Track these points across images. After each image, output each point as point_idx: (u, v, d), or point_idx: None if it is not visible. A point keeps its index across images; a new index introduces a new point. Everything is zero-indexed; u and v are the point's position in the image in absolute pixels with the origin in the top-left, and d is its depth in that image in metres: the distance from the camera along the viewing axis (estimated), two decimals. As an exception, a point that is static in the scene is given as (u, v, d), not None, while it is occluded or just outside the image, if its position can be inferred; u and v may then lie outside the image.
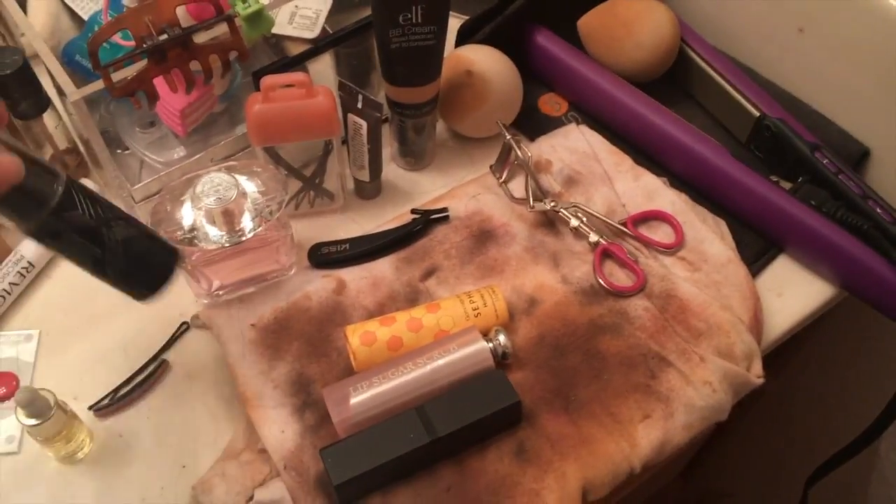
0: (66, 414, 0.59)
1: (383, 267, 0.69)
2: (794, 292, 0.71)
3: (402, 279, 0.68)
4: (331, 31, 0.75)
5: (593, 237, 0.69)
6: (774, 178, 0.73)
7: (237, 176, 0.62)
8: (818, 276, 0.71)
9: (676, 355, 0.63)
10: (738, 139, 0.78)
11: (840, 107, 0.76)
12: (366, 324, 0.63)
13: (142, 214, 0.68)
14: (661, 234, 0.71)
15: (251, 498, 0.58)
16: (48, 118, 0.72)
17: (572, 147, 0.76)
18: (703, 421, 0.62)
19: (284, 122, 0.65)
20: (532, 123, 0.80)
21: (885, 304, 0.68)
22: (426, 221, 0.71)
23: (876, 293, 0.68)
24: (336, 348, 0.65)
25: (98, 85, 0.58)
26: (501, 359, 0.62)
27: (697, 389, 0.62)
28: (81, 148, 0.75)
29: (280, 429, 0.61)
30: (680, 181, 0.75)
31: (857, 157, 0.75)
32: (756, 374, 0.64)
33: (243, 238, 0.61)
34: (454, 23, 0.72)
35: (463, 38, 0.78)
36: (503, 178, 0.74)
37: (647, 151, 0.77)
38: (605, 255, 0.69)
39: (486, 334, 0.62)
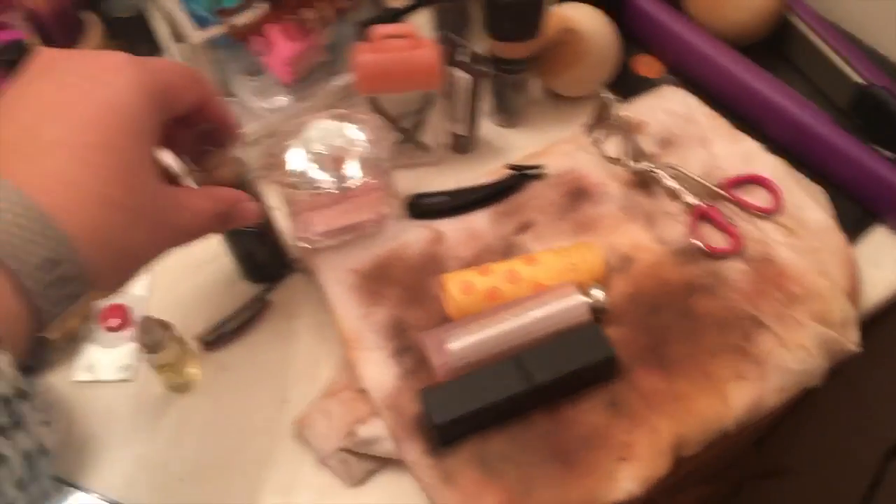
0: (181, 345, 0.62)
1: (479, 220, 0.70)
2: (891, 263, 0.70)
3: (497, 232, 0.70)
4: (430, -14, 0.76)
5: (690, 199, 0.69)
6: (875, 147, 0.72)
7: (346, 124, 0.63)
8: (916, 248, 0.71)
9: (772, 318, 0.64)
10: (839, 106, 0.77)
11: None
12: (464, 273, 0.65)
13: (250, 155, 0.70)
14: (759, 198, 0.70)
15: (352, 433, 0.61)
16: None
17: (668, 109, 0.76)
18: (796, 385, 0.63)
19: (390, 72, 0.66)
20: (626, 84, 0.80)
21: None
22: (522, 177, 0.72)
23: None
24: (432, 296, 0.66)
25: (219, 28, 0.60)
26: (598, 314, 0.63)
27: (792, 353, 0.62)
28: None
29: (379, 370, 0.63)
30: (778, 147, 0.74)
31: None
32: (852, 341, 0.64)
33: (349, 185, 0.63)
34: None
35: (562, -5, 0.78)
36: (598, 137, 0.75)
37: (744, 115, 0.76)
38: (702, 216, 0.69)
39: (582, 289, 0.63)
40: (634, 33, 0.81)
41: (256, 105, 0.73)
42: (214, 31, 0.60)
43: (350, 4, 0.64)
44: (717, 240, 0.68)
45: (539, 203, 0.71)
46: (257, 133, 0.70)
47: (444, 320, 0.65)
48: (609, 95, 0.72)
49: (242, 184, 0.60)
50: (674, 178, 0.70)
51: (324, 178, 0.63)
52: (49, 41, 0.63)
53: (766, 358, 0.62)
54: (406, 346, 0.64)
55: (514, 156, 0.76)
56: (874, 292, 0.69)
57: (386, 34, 0.64)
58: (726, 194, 0.70)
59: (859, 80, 0.74)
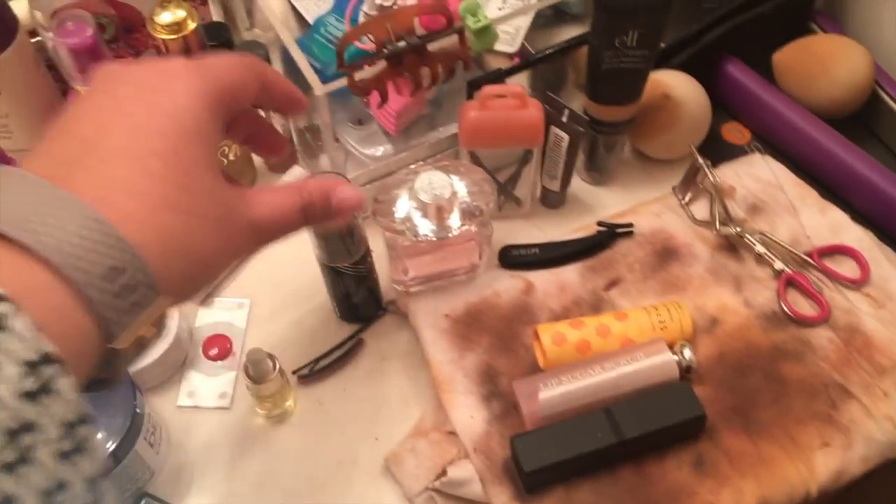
0: (282, 377, 0.65)
1: (569, 273, 0.73)
2: (978, 340, 0.71)
3: (586, 287, 0.72)
4: (528, 47, 0.79)
5: (778, 265, 0.71)
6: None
7: (450, 175, 0.66)
8: None
9: (859, 388, 0.65)
10: (926, 183, 0.78)
11: None
12: (556, 325, 0.67)
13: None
14: (846, 268, 0.72)
15: (441, 474, 0.63)
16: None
17: (757, 175, 0.78)
18: (880, 456, 0.63)
19: (495, 129, 0.69)
20: (713, 150, 0.82)
21: None
22: (612, 234, 0.74)
23: None
24: (523, 345, 0.68)
25: (341, 82, 0.64)
26: (685, 372, 0.65)
27: (879, 424, 0.63)
28: (295, 137, 0.81)
29: (469, 414, 0.65)
30: (863, 218, 0.75)
31: None
32: (939, 416, 0.64)
33: (450, 234, 0.66)
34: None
35: (656, 63, 0.81)
36: (686, 199, 0.77)
37: (830, 186, 0.78)
38: (790, 283, 0.70)
39: (670, 347, 0.65)
40: (722, 100, 0.83)
41: (360, 152, 0.76)
42: (337, 84, 0.64)
43: (463, 64, 0.67)
44: (805, 307, 0.70)
45: (627, 260, 0.73)
46: (361, 179, 0.74)
47: (534, 369, 0.67)
48: (702, 160, 0.74)
49: (351, 225, 0.63)
50: (762, 244, 0.72)
51: (426, 225, 0.66)
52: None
53: (851, 427, 0.63)
54: (495, 392, 0.66)
55: (602, 213, 0.78)
56: (961, 369, 0.69)
57: (494, 93, 0.67)
58: (815, 262, 0.71)
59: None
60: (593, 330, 0.66)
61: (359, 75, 0.65)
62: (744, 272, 0.72)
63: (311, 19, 0.80)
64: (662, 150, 0.79)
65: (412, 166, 0.74)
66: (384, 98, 0.66)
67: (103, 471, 0.31)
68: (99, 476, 0.31)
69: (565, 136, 0.71)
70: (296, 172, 0.81)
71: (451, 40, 0.67)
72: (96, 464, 0.31)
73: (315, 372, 0.70)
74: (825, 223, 0.74)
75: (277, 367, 0.64)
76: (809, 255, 0.72)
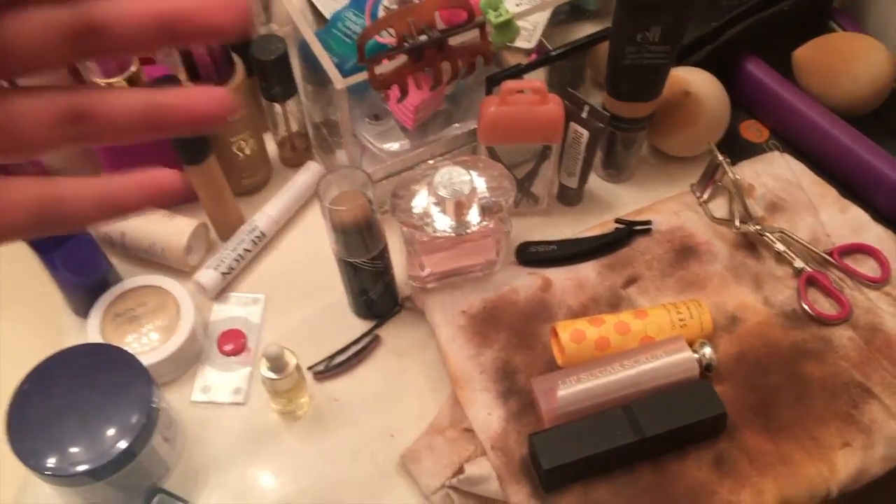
0: (299, 373, 0.64)
1: (587, 271, 0.72)
2: None
3: (604, 284, 0.71)
4: (546, 43, 0.79)
5: (798, 263, 0.70)
6: None
7: (469, 170, 0.66)
8: None
9: (881, 388, 0.64)
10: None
11: None
12: (575, 322, 0.66)
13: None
14: (867, 267, 0.71)
15: (458, 471, 0.62)
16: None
17: (776, 174, 0.77)
18: (902, 456, 0.63)
19: (515, 124, 0.69)
20: (732, 147, 0.81)
21: None
22: (630, 232, 0.73)
23: None
24: (541, 342, 0.68)
25: (362, 76, 0.64)
26: (705, 370, 0.64)
27: (901, 424, 0.62)
28: (311, 132, 0.81)
29: (487, 411, 0.64)
30: (885, 218, 0.75)
31: None
32: (963, 417, 0.64)
33: (469, 230, 0.66)
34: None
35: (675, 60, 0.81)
36: (705, 197, 0.76)
37: (850, 185, 0.77)
38: (810, 282, 0.70)
39: (690, 345, 0.65)
40: (741, 98, 0.83)
41: (377, 148, 0.76)
42: (357, 77, 0.63)
43: (484, 59, 0.67)
44: (825, 306, 0.69)
45: (646, 258, 0.73)
46: (378, 174, 0.73)
47: (551, 366, 0.67)
48: (721, 157, 0.74)
49: (369, 221, 0.63)
50: (782, 242, 0.72)
51: (445, 221, 0.65)
52: (196, 78, 0.67)
53: (873, 426, 0.63)
54: (513, 389, 0.65)
55: (619, 210, 0.78)
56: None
57: (515, 89, 0.67)
58: (835, 261, 0.71)
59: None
60: (612, 327, 0.66)
61: (378, 69, 0.64)
62: (763, 270, 0.71)
63: (327, 14, 0.79)
64: (681, 147, 0.79)
65: (430, 162, 0.74)
66: (404, 92, 0.66)
67: None
68: None
69: (585, 133, 0.71)
70: (312, 168, 0.80)
71: (471, 35, 0.66)
72: None
73: (331, 368, 0.70)
74: (845, 222, 0.74)
75: (294, 362, 0.63)
76: (829, 253, 0.71)
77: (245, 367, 0.70)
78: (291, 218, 0.79)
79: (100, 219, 0.27)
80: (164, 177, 0.27)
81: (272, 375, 0.62)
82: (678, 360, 0.63)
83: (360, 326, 0.72)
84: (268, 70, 0.71)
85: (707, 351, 0.64)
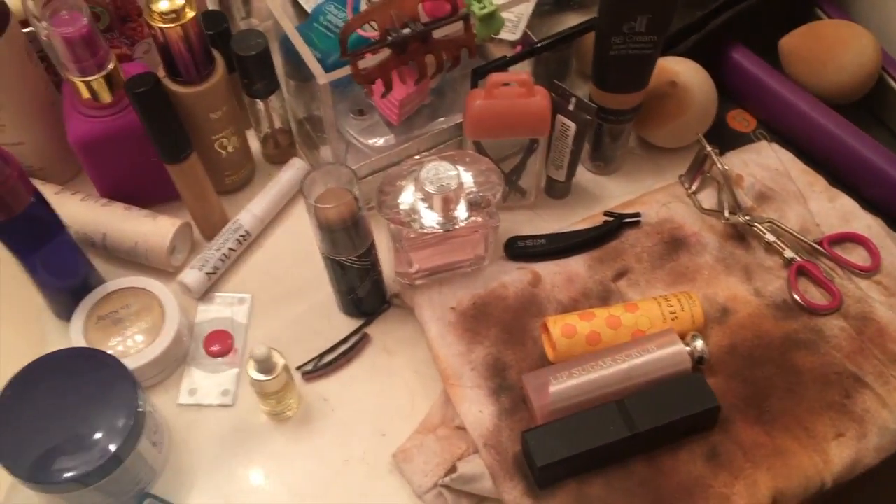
0: (286, 373, 0.63)
1: (576, 264, 0.72)
2: None
3: (594, 277, 0.71)
4: (531, 35, 0.78)
5: (788, 253, 0.70)
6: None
7: (456, 165, 0.65)
8: None
9: (873, 377, 0.64)
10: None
11: None
12: (566, 317, 0.66)
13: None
14: (857, 256, 0.71)
15: (451, 470, 0.61)
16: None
17: (764, 163, 0.77)
18: (895, 445, 0.63)
19: (501, 118, 0.68)
20: (719, 137, 0.80)
21: None
22: (619, 224, 0.73)
23: None
24: (532, 338, 0.67)
25: (345, 71, 0.62)
26: (697, 363, 0.64)
27: (893, 413, 0.62)
28: (294, 128, 0.80)
29: (478, 409, 0.64)
30: (873, 206, 0.75)
31: None
32: (954, 404, 0.64)
33: (457, 225, 0.65)
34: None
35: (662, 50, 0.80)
36: (693, 188, 0.76)
37: (838, 173, 0.77)
38: (800, 272, 0.70)
39: (682, 338, 0.64)
40: (728, 88, 0.82)
41: (362, 143, 0.75)
42: (340, 72, 0.62)
43: (468, 52, 0.66)
44: (816, 296, 0.69)
45: (635, 251, 0.72)
46: (363, 170, 0.72)
47: (542, 362, 0.66)
48: (709, 148, 0.73)
49: (355, 218, 0.62)
50: (772, 232, 0.71)
51: (432, 217, 0.64)
52: (176, 74, 0.66)
53: (865, 416, 0.62)
54: (504, 386, 0.65)
55: (608, 203, 0.77)
56: (973, 356, 0.68)
57: (501, 81, 0.66)
58: (825, 251, 0.70)
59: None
60: (603, 322, 0.65)
61: (362, 64, 0.63)
62: (753, 261, 0.71)
63: (309, 8, 0.78)
64: (668, 138, 0.78)
65: (417, 157, 0.73)
66: (388, 87, 0.65)
67: None
68: None
69: (572, 125, 0.70)
70: (296, 164, 0.79)
71: (456, 27, 0.65)
72: None
73: (319, 368, 0.69)
74: (834, 211, 0.73)
75: (282, 363, 0.62)
76: (819, 243, 0.71)
77: (232, 369, 0.69)
78: (276, 216, 0.78)
79: None
80: None
81: (260, 377, 0.62)
82: (670, 353, 0.63)
83: (348, 325, 0.71)
84: (249, 66, 0.70)
85: (699, 344, 0.63)
